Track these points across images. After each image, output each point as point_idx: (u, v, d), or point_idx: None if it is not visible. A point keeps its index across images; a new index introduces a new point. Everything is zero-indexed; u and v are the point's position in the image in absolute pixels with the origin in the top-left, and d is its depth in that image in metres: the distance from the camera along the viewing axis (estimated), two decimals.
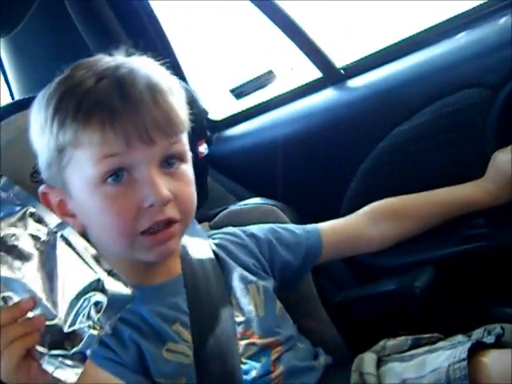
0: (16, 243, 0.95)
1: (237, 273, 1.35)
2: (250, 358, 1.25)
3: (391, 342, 1.32)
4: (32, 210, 0.98)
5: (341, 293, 1.68)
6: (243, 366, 1.23)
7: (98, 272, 0.97)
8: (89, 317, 0.94)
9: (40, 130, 1.17)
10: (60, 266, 0.96)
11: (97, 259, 0.98)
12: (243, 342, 1.26)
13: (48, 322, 0.93)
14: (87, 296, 0.95)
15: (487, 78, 1.54)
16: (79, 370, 0.94)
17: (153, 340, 1.19)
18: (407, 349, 1.29)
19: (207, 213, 1.65)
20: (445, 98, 1.58)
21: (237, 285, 1.33)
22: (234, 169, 1.99)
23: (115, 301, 0.96)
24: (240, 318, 1.29)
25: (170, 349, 1.19)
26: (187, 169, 1.21)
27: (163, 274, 1.28)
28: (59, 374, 0.93)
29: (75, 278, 0.96)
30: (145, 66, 1.18)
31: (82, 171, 1.14)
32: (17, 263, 0.94)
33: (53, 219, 0.99)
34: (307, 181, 1.84)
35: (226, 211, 1.62)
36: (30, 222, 0.97)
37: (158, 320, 1.21)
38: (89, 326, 0.94)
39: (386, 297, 1.55)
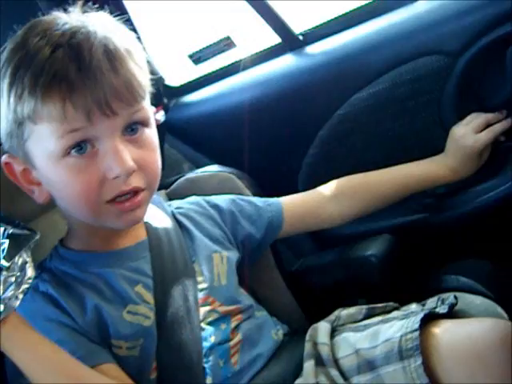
0: None
1: (201, 241, 1.35)
2: (210, 324, 1.26)
3: (346, 312, 1.32)
4: None
5: (297, 260, 1.68)
6: (202, 332, 1.23)
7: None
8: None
9: None
10: None
11: None
12: (204, 309, 1.27)
13: None
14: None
15: (446, 46, 1.53)
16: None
17: (114, 302, 1.20)
18: (362, 318, 1.29)
19: (164, 180, 1.63)
20: (403, 65, 1.57)
21: (201, 253, 1.34)
22: (191, 135, 1.97)
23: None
24: (202, 285, 1.29)
25: (130, 311, 1.20)
26: (151, 134, 1.20)
27: (127, 240, 1.29)
28: None
29: None
30: (102, 28, 1.13)
31: (44, 145, 1.13)
32: None
33: None
34: (265, 147, 1.83)
35: (183, 179, 1.61)
36: None
37: (121, 282, 1.22)
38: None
39: (342, 265, 1.55)
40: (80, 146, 1.12)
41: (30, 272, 1.04)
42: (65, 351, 1.07)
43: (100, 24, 1.15)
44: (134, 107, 1.14)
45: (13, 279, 1.01)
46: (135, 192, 1.16)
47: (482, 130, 1.49)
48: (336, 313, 1.33)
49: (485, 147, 1.49)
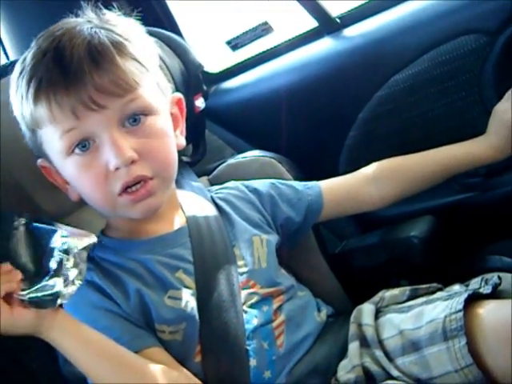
0: None
1: (241, 225, 1.37)
2: (252, 306, 1.27)
3: (389, 293, 1.32)
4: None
5: (340, 243, 1.69)
6: (245, 315, 1.25)
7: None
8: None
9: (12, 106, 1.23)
10: None
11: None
12: (245, 292, 1.28)
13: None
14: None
15: (485, 24, 1.52)
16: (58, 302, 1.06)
17: (155, 288, 1.22)
18: (405, 299, 1.29)
19: (206, 167, 1.65)
20: (442, 45, 1.56)
21: (241, 237, 1.35)
22: (231, 121, 1.98)
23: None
24: (243, 269, 1.31)
25: (171, 296, 1.22)
26: (155, 121, 1.21)
27: (167, 226, 1.31)
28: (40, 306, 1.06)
29: None
30: (92, 26, 1.18)
31: (53, 146, 1.19)
32: None
33: None
34: (305, 131, 1.84)
35: (224, 165, 1.62)
36: None
37: (161, 268, 1.24)
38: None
39: (385, 247, 1.55)
40: (83, 144, 1.16)
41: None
42: (110, 339, 1.11)
43: (92, 22, 1.20)
44: (126, 97, 1.16)
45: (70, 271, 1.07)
46: (144, 181, 1.18)
47: None
48: (380, 294, 1.34)
49: None
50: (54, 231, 1.09)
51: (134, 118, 1.18)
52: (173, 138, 1.26)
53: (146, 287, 1.22)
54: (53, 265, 1.06)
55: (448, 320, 1.10)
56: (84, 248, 1.09)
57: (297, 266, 1.51)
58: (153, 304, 1.20)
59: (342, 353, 1.26)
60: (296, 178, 1.53)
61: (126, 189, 1.18)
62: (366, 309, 1.30)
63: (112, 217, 1.30)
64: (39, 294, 1.04)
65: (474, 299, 1.13)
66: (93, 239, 1.11)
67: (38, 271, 1.07)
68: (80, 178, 1.18)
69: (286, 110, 1.82)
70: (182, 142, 1.33)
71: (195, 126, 1.54)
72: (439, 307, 1.15)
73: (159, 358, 1.16)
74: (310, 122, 1.83)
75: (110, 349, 1.11)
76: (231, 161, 1.63)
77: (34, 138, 1.22)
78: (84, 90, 1.12)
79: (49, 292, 1.04)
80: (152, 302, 1.20)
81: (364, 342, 1.24)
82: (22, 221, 1.09)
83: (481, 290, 1.17)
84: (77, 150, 1.16)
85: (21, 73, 1.18)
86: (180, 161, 1.50)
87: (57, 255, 1.06)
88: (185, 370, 1.18)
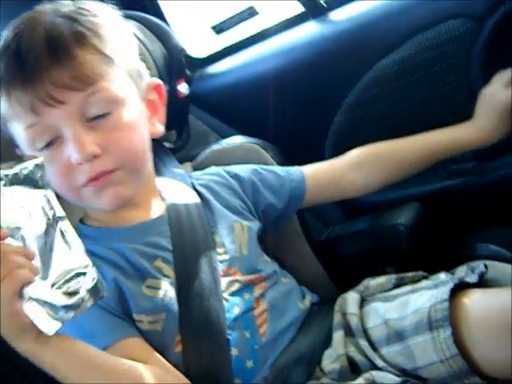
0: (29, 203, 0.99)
1: (221, 212, 1.35)
2: (233, 294, 1.25)
3: (375, 281, 1.31)
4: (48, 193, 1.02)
5: (326, 230, 1.67)
6: (226, 304, 1.23)
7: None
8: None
9: None
10: (56, 248, 0.98)
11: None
12: (226, 279, 1.26)
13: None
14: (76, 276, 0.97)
15: (472, 9, 1.49)
16: (59, 325, 0.94)
17: (132, 277, 1.21)
18: (391, 288, 1.28)
19: (190, 153, 1.63)
20: (428, 30, 1.53)
21: (221, 224, 1.34)
22: (216, 106, 1.96)
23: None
24: (223, 256, 1.29)
25: (149, 285, 1.21)
26: (122, 113, 1.19)
27: (145, 214, 1.30)
28: (39, 321, 0.93)
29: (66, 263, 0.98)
30: (59, 15, 1.16)
31: (21, 140, 1.19)
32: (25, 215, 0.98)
33: (58, 208, 1.02)
34: (291, 116, 1.82)
35: (208, 151, 1.61)
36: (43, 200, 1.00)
37: (138, 257, 1.23)
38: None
39: (371, 234, 1.54)
40: (48, 139, 1.15)
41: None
42: (86, 344, 1.06)
43: (65, 9, 1.18)
44: (86, 92, 1.14)
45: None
46: (108, 174, 1.17)
47: None
48: (365, 282, 1.33)
49: None
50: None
51: (99, 112, 1.16)
52: (143, 128, 1.24)
53: (124, 276, 1.20)
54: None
55: (433, 310, 1.08)
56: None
57: (281, 253, 1.50)
58: (130, 293, 1.19)
59: (327, 342, 1.25)
60: (281, 164, 1.51)
61: (90, 181, 1.17)
62: (351, 297, 1.28)
63: (86, 207, 1.28)
64: (51, 312, 0.94)
65: (459, 288, 1.12)
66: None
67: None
68: (48, 171, 1.14)
69: (272, 95, 1.80)
70: (159, 129, 1.31)
71: (178, 111, 1.51)
72: (425, 296, 1.14)
73: (138, 349, 1.15)
74: (295, 107, 1.81)
75: (97, 358, 1.06)
76: (215, 147, 1.61)
77: (9, 131, 1.21)
78: (41, 86, 1.10)
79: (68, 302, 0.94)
80: (129, 291, 1.19)
81: (348, 331, 1.23)
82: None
83: (467, 279, 1.15)
84: (43, 145, 1.15)
85: None
86: (162, 147, 1.49)
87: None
88: (165, 361, 1.16)
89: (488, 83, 1.47)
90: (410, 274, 1.30)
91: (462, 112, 1.49)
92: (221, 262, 1.28)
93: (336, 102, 1.72)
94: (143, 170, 1.27)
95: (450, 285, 1.11)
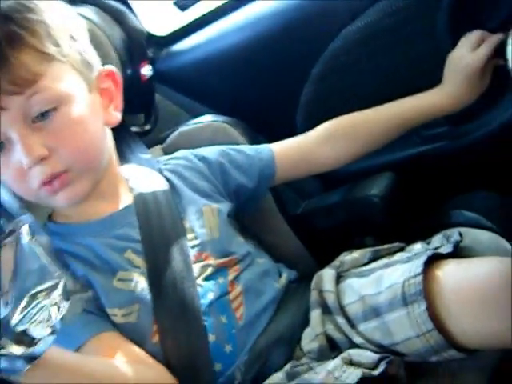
0: None
1: (190, 197, 1.34)
2: (207, 279, 1.25)
3: (350, 256, 1.29)
4: None
5: (301, 202, 1.66)
6: (200, 289, 1.22)
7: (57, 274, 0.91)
8: (46, 319, 0.88)
9: None
10: (20, 262, 0.89)
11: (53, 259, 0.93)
12: (198, 265, 1.25)
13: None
14: (42, 298, 0.88)
15: None
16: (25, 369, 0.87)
17: (103, 271, 1.20)
18: (366, 262, 1.26)
19: (159, 136, 1.61)
20: None
21: (190, 209, 1.32)
22: (185, 84, 1.91)
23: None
24: (194, 242, 1.28)
25: (121, 278, 1.20)
26: (69, 110, 1.16)
27: (112, 206, 1.28)
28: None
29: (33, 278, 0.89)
30: None
31: None
32: None
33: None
34: (260, 90, 1.78)
35: (176, 133, 1.59)
36: None
37: (108, 250, 1.22)
38: (42, 326, 0.87)
39: (346, 206, 1.53)
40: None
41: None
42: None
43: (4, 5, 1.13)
44: (25, 94, 1.11)
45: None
46: (60, 175, 1.15)
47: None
48: (340, 258, 1.31)
49: (484, 70, 1.40)
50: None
51: (42, 113, 1.13)
52: (96, 121, 1.22)
53: (94, 271, 1.19)
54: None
55: (407, 285, 1.07)
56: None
57: (259, 231, 1.50)
58: (101, 288, 1.18)
59: (306, 320, 1.24)
60: (251, 142, 1.51)
61: (43, 185, 1.15)
62: (327, 274, 1.27)
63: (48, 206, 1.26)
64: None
65: (434, 259, 1.10)
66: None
67: None
68: (3, 177, 1.15)
69: (240, 69, 1.77)
70: (116, 117, 1.28)
71: (144, 94, 1.49)
72: (399, 271, 1.12)
73: (115, 343, 1.14)
74: (264, 80, 1.77)
75: (82, 368, 1.04)
76: (183, 128, 1.60)
77: None
78: None
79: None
80: (100, 286, 1.18)
81: (326, 309, 1.21)
82: None
83: (441, 250, 1.14)
84: None
85: None
86: (129, 132, 1.47)
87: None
88: (143, 353, 1.16)
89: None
90: (385, 246, 1.28)
91: (432, 77, 1.46)
92: (192, 247, 1.27)
93: (304, 73, 1.68)
94: (98, 166, 1.24)
95: (424, 257, 1.09)
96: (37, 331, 0.87)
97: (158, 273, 1.21)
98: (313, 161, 1.47)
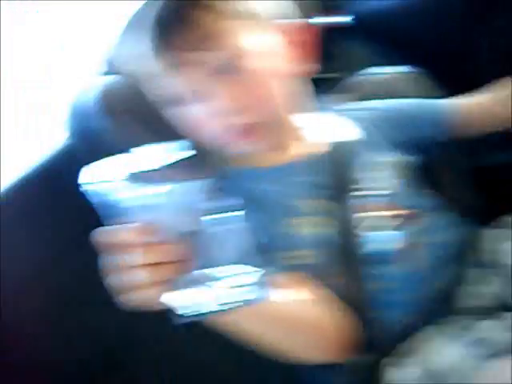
0: None
1: (375, 148, 1.35)
2: (385, 229, 1.26)
3: None
4: None
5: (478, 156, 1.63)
6: (377, 239, 1.24)
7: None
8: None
9: None
10: None
11: None
12: (379, 214, 1.27)
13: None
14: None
15: None
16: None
17: (288, 216, 1.24)
18: None
19: (344, 82, 1.62)
20: None
21: (374, 160, 1.33)
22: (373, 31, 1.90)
23: None
24: (374, 192, 1.29)
25: (308, 222, 1.23)
26: (256, 66, 1.20)
27: (289, 155, 1.32)
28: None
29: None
30: None
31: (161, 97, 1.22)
32: None
33: None
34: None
35: (364, 79, 1.59)
36: None
37: (290, 195, 1.26)
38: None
39: None
40: None
41: None
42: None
43: None
44: (214, 49, 1.16)
45: None
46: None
47: None
48: None
49: None
50: None
51: (231, 67, 1.18)
52: (282, 74, 1.25)
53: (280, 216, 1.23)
54: None
55: None
56: None
57: (438, 184, 1.48)
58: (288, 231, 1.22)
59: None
60: (436, 95, 1.49)
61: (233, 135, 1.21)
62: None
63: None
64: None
65: None
66: None
67: None
68: (187, 125, 1.22)
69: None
70: (305, 68, 1.29)
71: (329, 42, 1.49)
72: None
73: (302, 282, 1.18)
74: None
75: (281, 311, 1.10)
76: (372, 76, 1.60)
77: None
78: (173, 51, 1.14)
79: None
80: (279, 230, 1.22)
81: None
82: None
83: None
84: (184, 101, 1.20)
85: None
86: (316, 81, 1.48)
87: None
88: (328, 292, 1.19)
89: None
90: None
91: None
92: (371, 197, 1.28)
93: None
94: (284, 116, 1.27)
95: None
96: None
97: (340, 220, 1.24)
98: (494, 116, 1.42)
